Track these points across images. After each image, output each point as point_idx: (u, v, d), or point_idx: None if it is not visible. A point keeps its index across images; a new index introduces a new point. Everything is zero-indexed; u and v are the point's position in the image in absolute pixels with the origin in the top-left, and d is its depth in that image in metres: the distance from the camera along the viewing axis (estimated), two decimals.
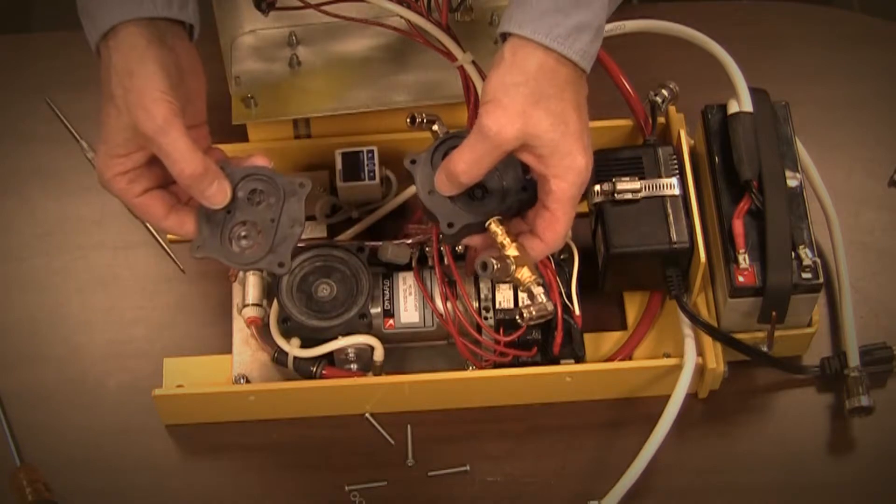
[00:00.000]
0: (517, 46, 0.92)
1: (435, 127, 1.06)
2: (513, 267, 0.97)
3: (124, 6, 0.94)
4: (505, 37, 0.94)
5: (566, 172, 0.93)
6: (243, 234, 0.98)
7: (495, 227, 0.98)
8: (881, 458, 1.09)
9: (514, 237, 0.97)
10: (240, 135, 1.19)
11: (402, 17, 1.11)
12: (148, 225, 1.19)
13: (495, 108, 0.92)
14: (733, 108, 1.10)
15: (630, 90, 1.16)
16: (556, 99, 0.92)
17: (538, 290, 0.98)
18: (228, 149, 1.16)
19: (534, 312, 0.98)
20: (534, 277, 0.97)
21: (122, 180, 0.96)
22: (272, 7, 1.14)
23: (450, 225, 0.98)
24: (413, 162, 1.01)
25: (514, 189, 0.97)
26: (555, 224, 0.95)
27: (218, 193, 0.96)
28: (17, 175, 1.23)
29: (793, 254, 1.04)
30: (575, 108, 0.93)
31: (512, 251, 0.97)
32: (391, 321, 1.08)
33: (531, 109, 0.91)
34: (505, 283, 0.99)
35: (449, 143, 1.00)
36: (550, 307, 0.98)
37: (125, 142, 0.95)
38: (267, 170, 0.99)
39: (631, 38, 1.12)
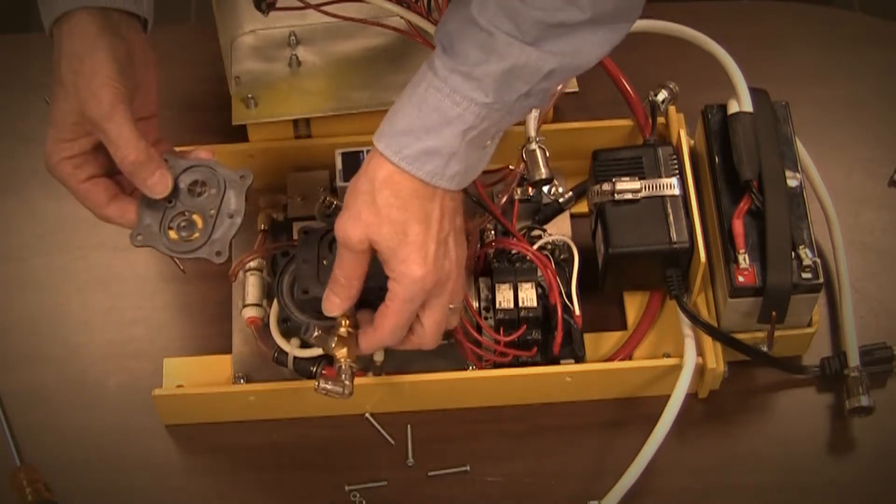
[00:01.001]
0: (373, 156, 0.95)
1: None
2: (333, 343, 1.01)
3: None
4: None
5: (401, 277, 0.95)
6: (183, 224, 0.99)
7: None
8: (881, 458, 1.09)
9: (355, 323, 1.01)
10: (240, 135, 1.19)
11: (402, 17, 1.11)
12: None
13: (344, 211, 0.95)
14: (733, 108, 1.10)
15: (630, 90, 1.16)
16: (397, 209, 0.94)
17: (345, 372, 1.00)
18: (228, 149, 1.17)
19: (329, 387, 1.00)
20: (348, 361, 1.01)
21: (68, 165, 0.97)
22: (272, 7, 1.14)
23: (304, 291, 1.03)
24: (306, 233, 1.06)
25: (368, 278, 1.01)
26: (386, 318, 0.98)
27: (159, 183, 0.98)
28: (17, 175, 1.23)
29: (793, 254, 1.04)
30: (419, 221, 0.95)
31: (341, 331, 1.01)
32: None
33: (372, 216, 0.94)
34: (324, 350, 1.04)
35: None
36: (347, 393, 1.00)
37: (72, 126, 0.96)
38: (209, 161, 1.01)
39: (631, 38, 1.11)
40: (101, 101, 0.94)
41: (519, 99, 0.92)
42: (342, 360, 1.01)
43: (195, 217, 0.99)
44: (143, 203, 0.99)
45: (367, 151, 1.14)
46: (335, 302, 0.99)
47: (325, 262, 1.04)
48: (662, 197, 1.09)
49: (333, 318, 1.02)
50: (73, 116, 0.95)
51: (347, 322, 1.01)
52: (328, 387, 1.00)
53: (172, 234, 0.99)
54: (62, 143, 0.96)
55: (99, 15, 0.95)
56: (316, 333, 1.01)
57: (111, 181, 0.99)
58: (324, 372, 1.06)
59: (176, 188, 0.99)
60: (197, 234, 0.99)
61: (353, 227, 0.95)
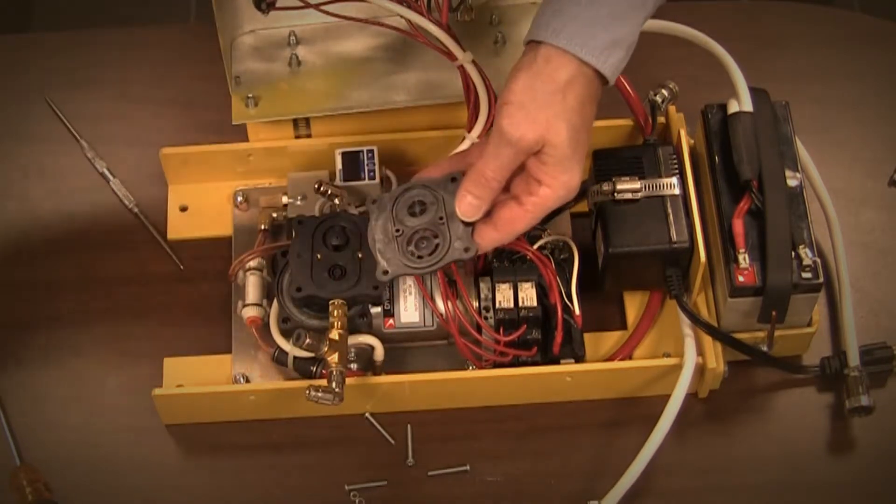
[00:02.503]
0: (551, 54, 0.91)
1: (337, 201, 1.11)
2: (325, 348, 1.02)
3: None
4: (535, 44, 0.94)
5: (560, 186, 0.94)
6: (422, 244, 0.99)
7: (332, 308, 1.03)
8: (881, 458, 1.09)
9: (345, 325, 1.02)
10: (240, 135, 1.19)
11: (402, 16, 1.11)
12: (147, 224, 1.19)
13: (518, 110, 0.92)
14: (733, 107, 1.10)
15: (630, 90, 1.16)
16: (577, 114, 0.92)
17: (336, 378, 1.01)
18: (228, 149, 1.17)
19: (319, 394, 1.00)
20: (339, 367, 1.01)
21: None
22: (272, 7, 1.14)
23: (298, 289, 1.04)
24: (300, 223, 1.07)
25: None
26: (517, 222, 0.96)
27: None
28: (17, 175, 1.23)
29: (793, 253, 1.04)
30: (587, 128, 0.93)
31: (333, 335, 1.02)
32: (391, 321, 1.08)
33: (554, 119, 0.91)
34: (316, 356, 1.05)
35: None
36: (338, 400, 1.00)
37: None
38: (412, 183, 1.01)
39: None
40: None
41: None
42: (333, 365, 1.01)
43: (428, 231, 0.99)
44: (374, 244, 0.99)
45: (367, 151, 1.14)
46: (474, 204, 0.96)
47: (318, 257, 1.04)
48: (662, 197, 1.09)
49: (326, 321, 1.02)
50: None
51: (339, 325, 1.01)
52: (319, 394, 1.00)
53: (415, 256, 0.99)
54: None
55: None
56: (307, 341, 1.02)
57: None
58: (323, 371, 1.06)
59: (396, 217, 0.99)
60: (437, 243, 0.99)
61: (530, 127, 0.91)
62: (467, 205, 0.96)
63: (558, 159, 0.93)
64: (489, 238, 0.98)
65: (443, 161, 1.01)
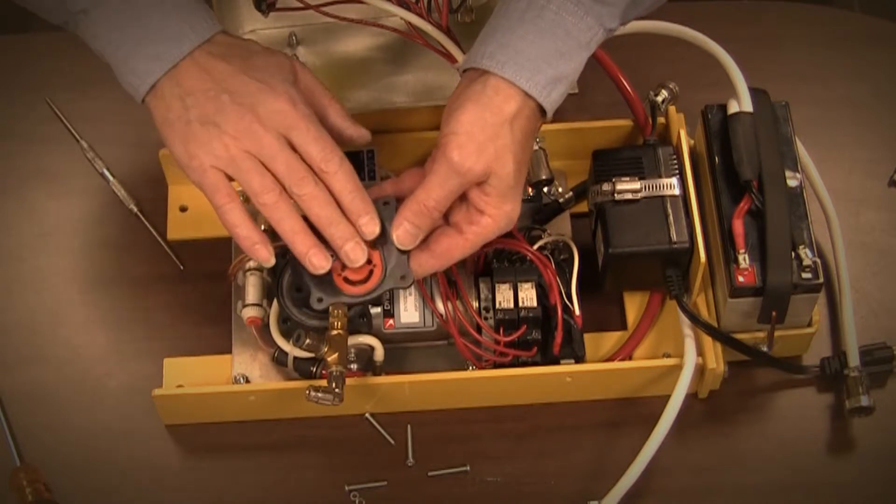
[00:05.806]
0: (500, 85, 0.92)
1: None
2: (325, 348, 1.01)
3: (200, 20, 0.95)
4: (479, 72, 0.94)
5: (502, 216, 0.95)
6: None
7: (333, 309, 1.02)
8: (881, 458, 1.09)
9: (346, 325, 1.01)
10: None
11: (401, 18, 1.11)
12: (147, 224, 1.19)
13: (468, 141, 0.92)
14: (733, 108, 1.10)
15: (630, 90, 1.16)
16: (521, 146, 0.93)
17: (337, 379, 1.00)
18: None
19: (319, 395, 1.00)
20: (339, 367, 1.01)
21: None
22: (272, 7, 1.14)
23: (297, 290, 1.04)
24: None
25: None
26: (455, 250, 0.97)
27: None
28: (17, 175, 1.23)
29: (793, 254, 1.04)
30: (528, 160, 0.95)
31: (333, 333, 1.01)
32: (391, 321, 1.08)
33: (502, 151, 0.92)
34: (316, 356, 1.05)
35: None
36: (338, 401, 1.00)
37: None
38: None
39: (631, 38, 1.12)
40: None
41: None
42: (333, 366, 1.01)
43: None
44: (307, 275, 1.00)
45: (367, 151, 1.14)
46: (412, 233, 0.96)
47: None
48: (662, 197, 1.09)
49: (326, 321, 1.02)
50: None
51: (339, 324, 1.02)
52: (319, 395, 1.00)
53: (348, 286, 1.00)
54: None
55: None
56: (307, 341, 1.02)
57: None
58: (323, 371, 1.06)
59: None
60: (371, 269, 0.99)
61: (479, 159, 0.92)
62: (404, 232, 0.97)
63: (502, 190, 0.93)
64: (427, 265, 0.98)
65: (373, 187, 1.01)
